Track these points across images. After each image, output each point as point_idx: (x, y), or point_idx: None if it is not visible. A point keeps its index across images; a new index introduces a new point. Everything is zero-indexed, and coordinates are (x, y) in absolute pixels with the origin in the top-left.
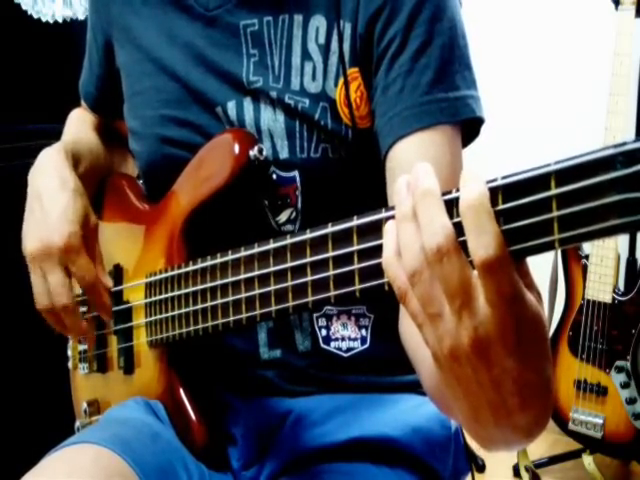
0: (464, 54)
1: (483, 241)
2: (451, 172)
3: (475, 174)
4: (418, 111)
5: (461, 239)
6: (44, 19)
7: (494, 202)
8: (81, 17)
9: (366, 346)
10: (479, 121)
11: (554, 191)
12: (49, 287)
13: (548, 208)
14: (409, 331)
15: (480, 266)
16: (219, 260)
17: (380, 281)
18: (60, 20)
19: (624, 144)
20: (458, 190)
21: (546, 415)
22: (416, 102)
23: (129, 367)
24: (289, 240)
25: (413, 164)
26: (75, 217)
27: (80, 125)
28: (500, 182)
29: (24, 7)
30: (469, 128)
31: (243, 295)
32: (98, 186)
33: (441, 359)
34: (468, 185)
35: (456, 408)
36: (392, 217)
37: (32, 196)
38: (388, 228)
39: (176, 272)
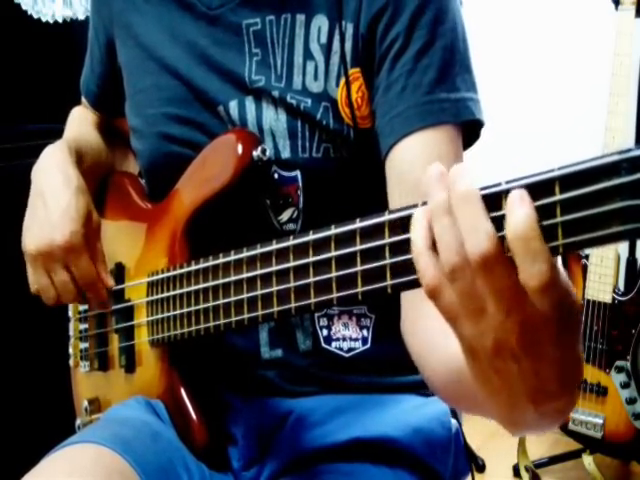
0: (465, 57)
1: (538, 268)
2: None
3: (520, 196)
4: (421, 110)
5: (500, 234)
6: (44, 19)
7: (497, 207)
8: (81, 17)
9: (367, 346)
10: (479, 124)
11: (558, 197)
12: (55, 286)
13: (552, 213)
14: (412, 330)
15: (536, 291)
16: (221, 260)
17: (383, 284)
18: (60, 20)
19: (629, 150)
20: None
21: (577, 394)
22: (419, 101)
23: (130, 366)
24: (292, 241)
25: (417, 162)
26: (78, 215)
27: (81, 123)
28: (504, 187)
29: (24, 7)
30: (469, 131)
31: (245, 295)
32: (99, 183)
33: (481, 353)
34: (513, 211)
35: (490, 401)
36: (396, 220)
37: (35, 193)
38: (418, 217)
39: (178, 271)
